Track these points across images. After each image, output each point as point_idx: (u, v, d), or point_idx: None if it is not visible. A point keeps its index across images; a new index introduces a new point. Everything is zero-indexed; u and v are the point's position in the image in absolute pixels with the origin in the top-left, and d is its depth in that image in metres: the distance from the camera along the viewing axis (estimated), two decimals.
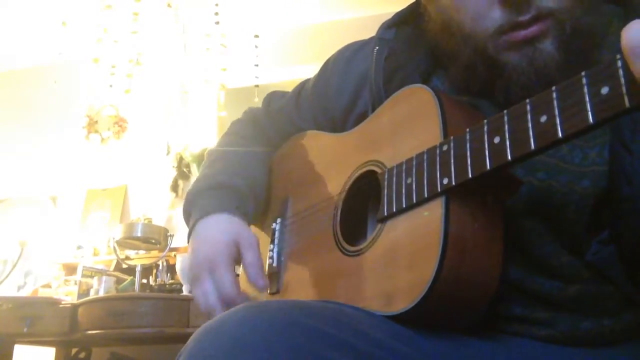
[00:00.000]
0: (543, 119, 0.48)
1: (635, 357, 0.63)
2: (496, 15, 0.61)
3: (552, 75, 0.59)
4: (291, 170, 0.81)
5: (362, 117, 0.79)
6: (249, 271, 0.77)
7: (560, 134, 0.47)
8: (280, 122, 0.95)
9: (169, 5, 3.17)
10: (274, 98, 0.98)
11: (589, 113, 0.45)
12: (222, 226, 0.81)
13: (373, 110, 0.76)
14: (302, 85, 0.94)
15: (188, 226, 0.86)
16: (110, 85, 3.29)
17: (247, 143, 0.94)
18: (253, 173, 0.90)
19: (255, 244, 0.79)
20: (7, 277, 3.37)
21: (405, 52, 0.76)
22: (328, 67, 0.88)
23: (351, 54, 0.85)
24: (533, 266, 0.63)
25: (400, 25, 0.80)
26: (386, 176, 0.66)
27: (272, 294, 0.85)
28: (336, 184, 0.77)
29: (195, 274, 0.79)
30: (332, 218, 0.75)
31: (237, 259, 0.78)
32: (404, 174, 0.63)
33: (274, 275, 0.85)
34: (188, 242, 0.84)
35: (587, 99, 0.45)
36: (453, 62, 0.69)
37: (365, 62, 0.81)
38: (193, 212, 0.84)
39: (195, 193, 0.86)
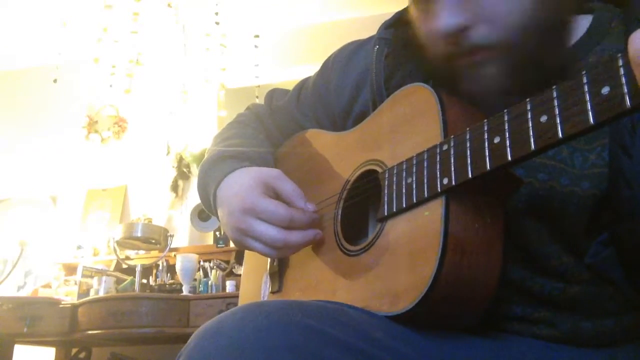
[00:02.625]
0: (543, 118, 0.48)
1: (636, 358, 0.63)
2: (441, 43, 0.64)
3: (504, 93, 0.62)
4: (292, 170, 0.80)
5: (363, 115, 0.79)
6: (295, 201, 0.74)
7: (560, 135, 0.46)
8: (282, 119, 0.95)
9: (169, 5, 3.17)
10: (275, 95, 0.98)
11: (590, 113, 0.44)
12: (242, 177, 0.78)
13: (374, 108, 0.76)
14: (303, 83, 0.94)
15: (209, 204, 0.83)
16: (110, 85, 3.29)
17: (251, 135, 0.94)
18: (262, 155, 0.89)
19: (284, 175, 0.76)
20: (7, 277, 3.37)
21: (405, 51, 0.76)
22: (329, 65, 0.88)
23: (351, 52, 0.85)
24: (534, 266, 0.63)
25: (398, 25, 0.80)
26: (386, 175, 0.66)
27: (273, 292, 0.85)
28: (337, 183, 0.77)
29: (239, 231, 0.74)
30: (333, 217, 0.75)
31: (272, 196, 0.75)
32: (404, 173, 0.63)
33: (275, 274, 0.85)
34: (217, 216, 0.82)
35: (587, 98, 0.44)
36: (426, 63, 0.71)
37: (365, 60, 0.81)
38: (209, 183, 0.83)
39: (208, 164, 0.85)
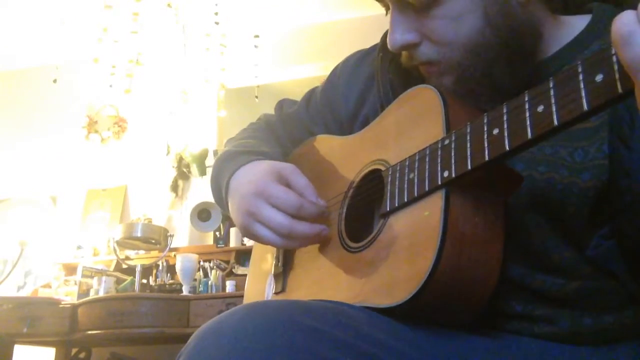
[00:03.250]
0: (540, 108, 0.49)
1: (637, 356, 0.63)
2: (403, 55, 0.71)
3: (462, 96, 0.66)
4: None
5: (370, 119, 0.80)
6: (308, 195, 0.74)
7: (556, 122, 0.48)
8: (292, 127, 0.97)
9: (169, 5, 3.17)
10: (285, 104, 1.02)
11: (584, 100, 0.45)
12: (256, 167, 0.79)
13: (381, 112, 0.77)
14: (312, 91, 0.97)
15: (221, 195, 0.84)
16: (110, 85, 3.29)
17: (261, 137, 0.96)
18: (272, 154, 0.91)
19: (298, 170, 0.77)
20: (7, 277, 3.37)
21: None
22: (336, 74, 0.91)
23: (358, 60, 0.88)
24: (534, 262, 0.63)
25: None
26: (390, 172, 0.67)
27: (276, 293, 0.86)
28: (343, 183, 0.78)
29: (249, 214, 0.74)
30: (338, 216, 0.76)
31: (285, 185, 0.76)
32: (406, 169, 0.64)
33: (279, 275, 0.86)
34: (227, 209, 0.82)
35: (582, 86, 0.46)
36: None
37: (371, 67, 0.83)
38: (223, 174, 0.84)
39: (222, 160, 0.86)
